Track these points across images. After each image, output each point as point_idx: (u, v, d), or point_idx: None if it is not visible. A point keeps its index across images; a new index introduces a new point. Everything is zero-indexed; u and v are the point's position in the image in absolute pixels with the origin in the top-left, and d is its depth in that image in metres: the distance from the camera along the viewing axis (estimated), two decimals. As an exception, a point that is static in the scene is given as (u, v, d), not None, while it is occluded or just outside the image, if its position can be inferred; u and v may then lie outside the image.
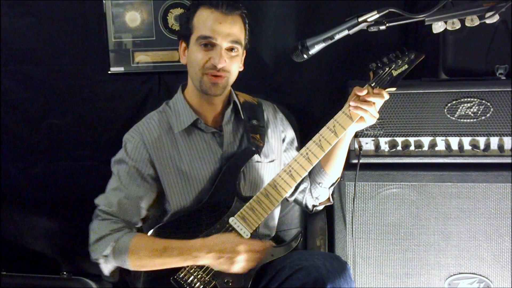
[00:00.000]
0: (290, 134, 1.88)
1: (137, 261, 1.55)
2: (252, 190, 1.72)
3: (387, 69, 1.62)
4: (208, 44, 1.59)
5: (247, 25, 1.67)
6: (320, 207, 1.90)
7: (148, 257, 1.54)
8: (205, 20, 1.59)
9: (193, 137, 1.69)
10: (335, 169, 1.77)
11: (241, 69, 1.72)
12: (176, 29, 2.30)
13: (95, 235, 1.59)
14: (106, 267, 1.60)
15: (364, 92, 1.58)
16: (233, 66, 1.64)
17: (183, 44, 1.68)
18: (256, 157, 1.71)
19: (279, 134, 1.84)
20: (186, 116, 1.69)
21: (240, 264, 1.50)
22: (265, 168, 1.76)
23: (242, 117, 1.74)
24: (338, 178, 1.82)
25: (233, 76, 1.67)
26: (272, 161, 1.78)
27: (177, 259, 1.52)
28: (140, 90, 2.41)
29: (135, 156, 1.65)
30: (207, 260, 1.51)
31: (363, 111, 1.58)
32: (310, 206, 1.87)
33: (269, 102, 1.90)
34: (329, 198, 1.88)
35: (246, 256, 1.50)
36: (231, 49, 1.62)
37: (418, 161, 1.94)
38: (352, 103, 1.59)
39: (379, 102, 1.60)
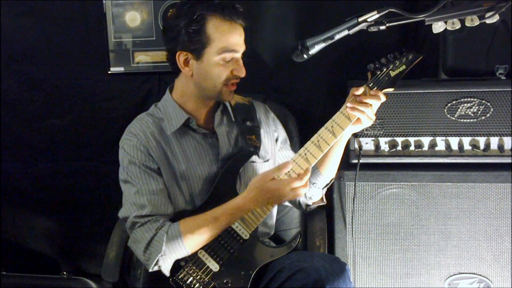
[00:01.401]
0: (282, 133, 1.89)
1: (192, 242, 1.55)
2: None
3: (384, 69, 1.62)
4: (231, 57, 1.60)
5: None
6: (314, 207, 1.89)
7: (202, 233, 1.54)
8: (226, 33, 1.57)
9: (185, 138, 1.69)
10: (329, 170, 1.77)
11: None
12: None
13: (143, 242, 1.54)
14: (165, 267, 1.56)
15: (361, 91, 1.58)
16: None
17: (186, 55, 1.62)
18: (252, 157, 1.71)
19: (272, 133, 1.84)
20: (177, 116, 1.68)
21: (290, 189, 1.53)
22: (260, 168, 1.75)
23: (233, 119, 1.74)
24: (332, 179, 1.81)
25: None
26: (267, 160, 1.78)
27: (229, 220, 1.57)
28: (140, 90, 2.41)
29: (138, 155, 1.63)
30: (255, 203, 1.56)
31: (360, 112, 1.58)
32: (303, 206, 1.87)
33: (260, 102, 1.90)
34: (322, 198, 1.87)
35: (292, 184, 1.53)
36: None
37: (418, 161, 1.93)
38: (349, 104, 1.59)
39: (375, 103, 1.59)
